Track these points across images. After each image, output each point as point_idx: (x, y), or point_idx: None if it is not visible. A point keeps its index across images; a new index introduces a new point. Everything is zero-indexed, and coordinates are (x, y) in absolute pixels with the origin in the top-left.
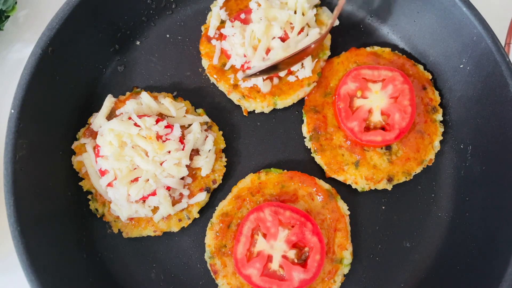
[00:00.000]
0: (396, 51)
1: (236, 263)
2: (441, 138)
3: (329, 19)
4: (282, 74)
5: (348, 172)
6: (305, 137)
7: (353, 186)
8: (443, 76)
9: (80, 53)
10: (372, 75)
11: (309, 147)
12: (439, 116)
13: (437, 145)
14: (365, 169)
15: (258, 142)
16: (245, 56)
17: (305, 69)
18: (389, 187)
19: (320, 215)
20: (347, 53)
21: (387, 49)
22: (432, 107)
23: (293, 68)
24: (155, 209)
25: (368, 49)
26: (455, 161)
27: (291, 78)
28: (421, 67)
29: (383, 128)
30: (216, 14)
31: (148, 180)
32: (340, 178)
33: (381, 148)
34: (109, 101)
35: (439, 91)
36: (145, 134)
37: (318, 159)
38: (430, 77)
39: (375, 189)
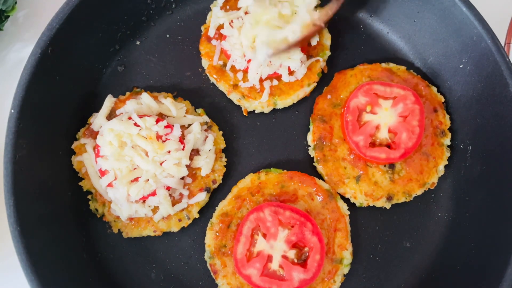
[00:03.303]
0: (411, 70)
1: (236, 263)
2: (446, 162)
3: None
4: (285, 79)
5: (348, 186)
6: (309, 146)
7: (352, 201)
8: (443, 76)
9: (80, 53)
10: (384, 91)
11: (312, 156)
12: (447, 141)
13: (441, 169)
14: (365, 185)
15: (258, 142)
16: (244, 56)
17: (302, 67)
18: (387, 205)
19: (320, 215)
20: (361, 66)
21: (402, 67)
22: (441, 130)
23: (293, 68)
24: (155, 209)
25: (383, 65)
26: (455, 161)
27: (291, 79)
28: (434, 89)
29: (388, 146)
30: (216, 14)
31: (148, 180)
32: (339, 190)
33: (384, 166)
34: (109, 101)
35: (440, 92)
36: (145, 134)
37: (320, 168)
38: (443, 100)
39: (373, 206)
